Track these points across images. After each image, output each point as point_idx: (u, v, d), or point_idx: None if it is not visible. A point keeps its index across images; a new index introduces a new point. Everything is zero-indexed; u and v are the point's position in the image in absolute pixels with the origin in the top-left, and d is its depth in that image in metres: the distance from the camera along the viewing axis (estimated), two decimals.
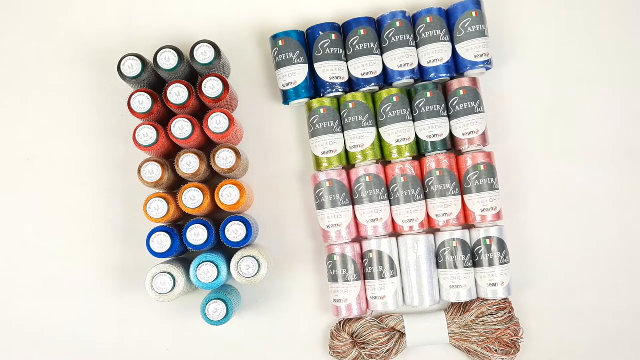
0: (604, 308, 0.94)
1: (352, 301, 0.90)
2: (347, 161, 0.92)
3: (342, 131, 0.91)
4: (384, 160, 0.93)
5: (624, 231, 0.94)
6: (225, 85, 0.86)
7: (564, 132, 0.95)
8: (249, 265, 0.84)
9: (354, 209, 0.91)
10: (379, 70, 0.91)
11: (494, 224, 0.90)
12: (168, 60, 0.84)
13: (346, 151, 0.91)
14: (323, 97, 0.92)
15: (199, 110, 0.90)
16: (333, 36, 0.91)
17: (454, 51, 0.91)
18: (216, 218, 0.91)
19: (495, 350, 0.89)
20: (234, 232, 0.85)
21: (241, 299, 0.93)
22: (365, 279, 0.91)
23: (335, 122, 0.90)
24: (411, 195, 0.90)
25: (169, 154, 0.89)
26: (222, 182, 0.86)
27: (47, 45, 0.97)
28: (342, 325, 0.92)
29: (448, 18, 0.91)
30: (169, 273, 0.84)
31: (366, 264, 0.90)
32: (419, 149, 0.91)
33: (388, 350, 0.90)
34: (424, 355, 0.93)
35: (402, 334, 0.90)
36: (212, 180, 0.93)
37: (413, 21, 0.92)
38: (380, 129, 0.91)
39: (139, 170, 0.84)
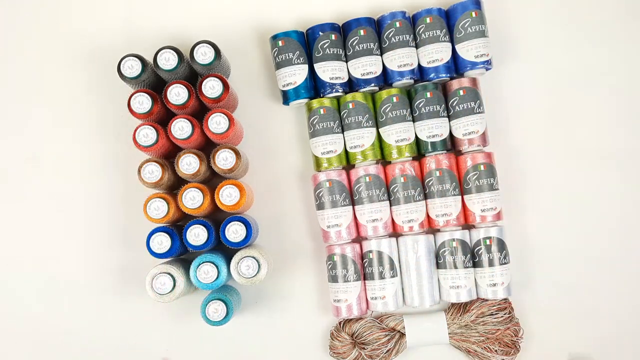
0: (604, 308, 0.93)
1: (352, 301, 0.90)
2: (347, 161, 0.92)
3: (342, 131, 0.91)
4: (383, 161, 0.93)
5: (624, 231, 0.94)
6: (225, 86, 0.86)
7: (564, 132, 0.95)
8: (248, 265, 0.84)
9: (353, 209, 0.91)
10: (378, 71, 0.91)
11: (493, 224, 0.90)
12: (168, 61, 0.84)
13: (346, 151, 0.91)
14: (323, 97, 0.92)
15: (199, 111, 0.90)
16: (333, 36, 0.91)
17: (454, 51, 0.91)
18: (216, 218, 0.91)
19: (495, 351, 0.89)
20: (234, 232, 0.85)
21: (241, 299, 0.93)
22: (365, 279, 0.91)
23: (335, 122, 0.90)
24: (411, 195, 0.90)
25: (169, 154, 0.89)
26: (222, 182, 0.86)
27: (47, 45, 0.97)
28: (342, 325, 0.92)
29: (448, 18, 0.91)
30: (169, 273, 0.84)
31: (366, 264, 0.90)
32: (419, 149, 0.91)
33: (388, 351, 0.90)
34: (424, 355, 0.93)
35: (402, 334, 0.90)
36: (212, 180, 0.93)
37: (413, 21, 0.92)
38: (380, 129, 0.91)
39: (139, 171, 0.84)
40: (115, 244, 0.95)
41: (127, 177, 0.95)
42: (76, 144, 0.96)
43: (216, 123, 0.85)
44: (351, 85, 0.92)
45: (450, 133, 0.91)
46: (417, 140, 0.91)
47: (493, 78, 0.95)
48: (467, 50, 0.90)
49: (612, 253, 0.94)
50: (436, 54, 0.90)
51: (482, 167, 0.89)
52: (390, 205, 0.91)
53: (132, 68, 0.84)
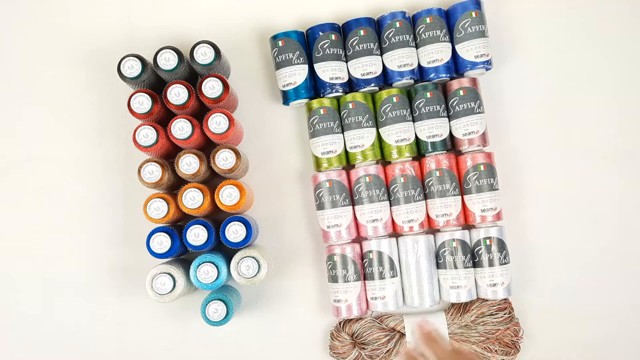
0: (604, 308, 0.93)
1: (352, 301, 0.90)
2: (347, 161, 0.92)
3: (342, 131, 0.91)
4: (383, 161, 0.93)
5: (623, 231, 0.94)
6: (225, 86, 0.86)
7: (564, 131, 0.95)
8: (249, 265, 0.84)
9: (353, 209, 0.91)
10: (378, 71, 0.91)
11: (493, 224, 0.90)
12: (168, 61, 0.84)
13: (346, 151, 0.91)
14: (323, 97, 0.92)
15: (199, 111, 0.90)
16: (333, 37, 0.91)
17: (454, 51, 0.91)
18: (216, 218, 0.91)
19: (495, 351, 0.89)
20: (234, 232, 0.85)
21: (241, 300, 0.93)
22: (365, 279, 0.91)
23: (335, 122, 0.90)
24: (411, 195, 0.90)
25: (169, 154, 0.89)
26: (222, 182, 0.86)
27: (47, 45, 0.97)
28: (342, 325, 0.92)
29: (448, 18, 0.91)
30: (169, 273, 0.84)
31: (366, 264, 0.90)
32: (419, 149, 0.91)
33: (388, 351, 0.90)
34: None
35: (402, 334, 0.90)
36: (212, 180, 0.93)
37: (413, 21, 0.92)
38: (380, 130, 0.91)
39: (139, 171, 0.84)
40: (115, 244, 0.95)
41: (127, 177, 0.95)
42: (76, 144, 0.96)
43: (216, 123, 0.85)
44: (351, 85, 0.92)
45: (450, 133, 0.91)
46: (417, 140, 0.91)
47: (493, 78, 0.95)
48: (467, 50, 0.90)
49: (611, 253, 0.94)
50: (436, 54, 0.90)
51: (482, 167, 0.89)
52: (390, 206, 0.91)
53: (132, 68, 0.84)
